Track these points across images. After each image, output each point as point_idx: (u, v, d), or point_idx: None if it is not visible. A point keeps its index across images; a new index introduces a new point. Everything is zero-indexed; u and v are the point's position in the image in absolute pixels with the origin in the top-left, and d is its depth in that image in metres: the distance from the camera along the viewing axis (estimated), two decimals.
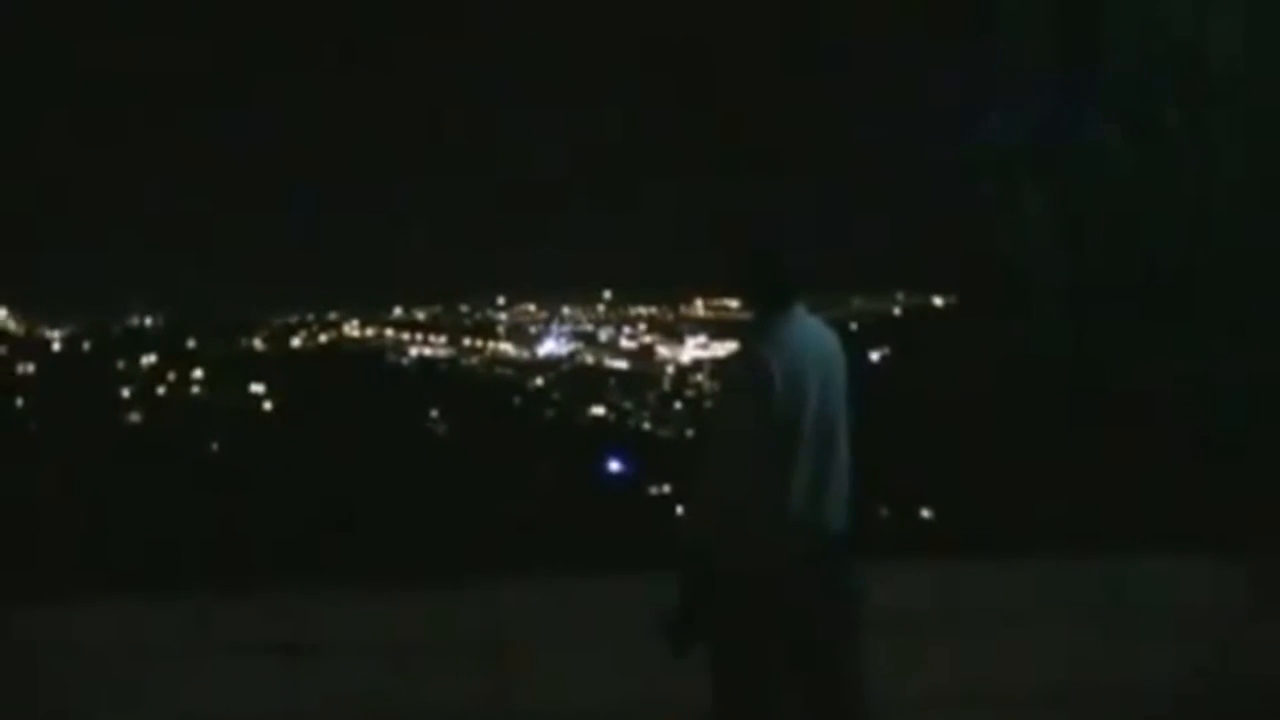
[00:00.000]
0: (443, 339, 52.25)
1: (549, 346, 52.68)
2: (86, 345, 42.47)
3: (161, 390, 40.30)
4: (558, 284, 54.74)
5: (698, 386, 46.32)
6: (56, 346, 42.15)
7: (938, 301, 30.83)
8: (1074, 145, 13.83)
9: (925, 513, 19.04)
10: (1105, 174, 13.26)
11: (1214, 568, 7.21)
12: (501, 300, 54.21)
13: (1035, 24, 14.24)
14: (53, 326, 43.28)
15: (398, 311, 52.57)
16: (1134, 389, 13.00)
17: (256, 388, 39.85)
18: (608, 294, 54.12)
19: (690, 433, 39.10)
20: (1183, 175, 13.09)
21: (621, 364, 51.81)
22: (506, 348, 52.67)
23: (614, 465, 34.28)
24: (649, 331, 53.27)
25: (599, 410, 46.21)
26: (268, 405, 39.25)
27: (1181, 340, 12.99)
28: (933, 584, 7.11)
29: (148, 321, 44.92)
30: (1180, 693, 6.63)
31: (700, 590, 4.54)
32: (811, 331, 4.65)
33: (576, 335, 53.51)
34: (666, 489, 29.54)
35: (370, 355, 47.76)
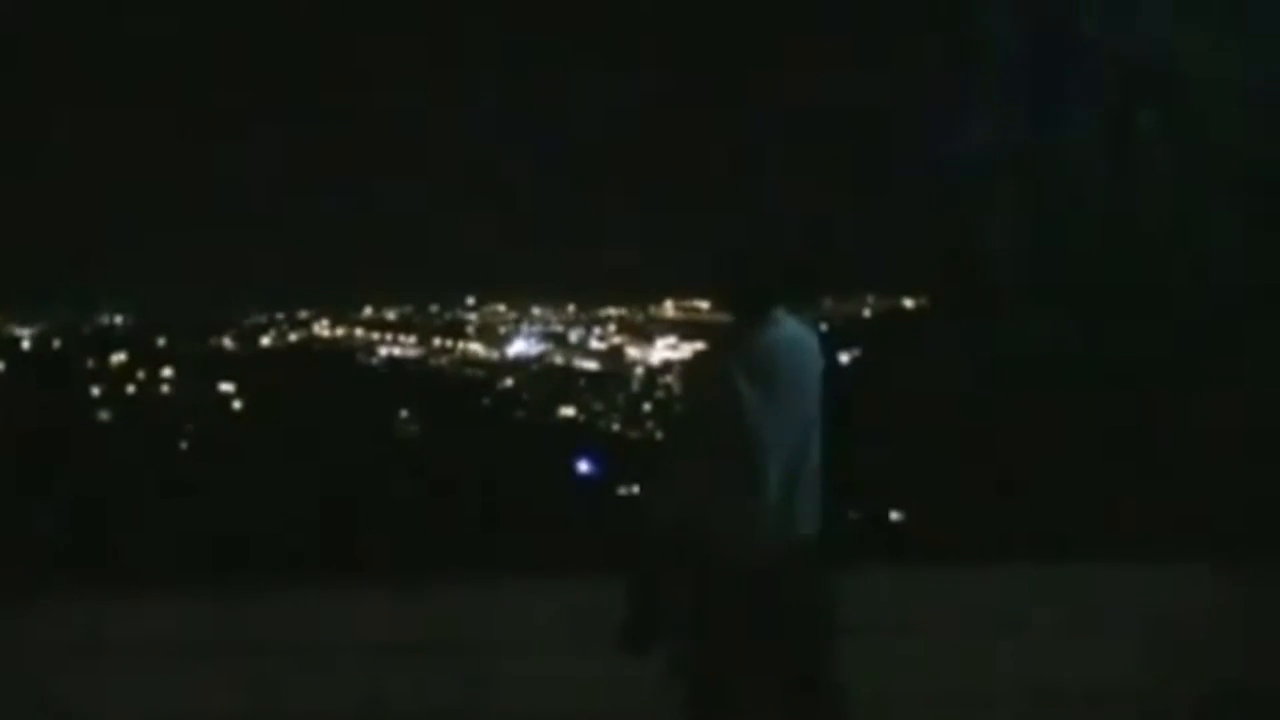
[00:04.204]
0: (412, 339, 52.08)
1: (519, 347, 52.54)
2: (56, 343, 42.22)
3: (131, 389, 40.11)
4: (527, 284, 54.55)
5: (667, 388, 46.27)
6: (26, 345, 41.88)
7: (908, 304, 30.84)
8: (1048, 145, 13.84)
9: (895, 515, 19.05)
10: (1078, 174, 13.29)
11: (1192, 572, 7.24)
12: (471, 300, 54.02)
13: (1011, 25, 14.26)
14: (22, 324, 42.97)
15: (368, 311, 52.35)
16: (1114, 388, 13.01)
17: (226, 386, 39.67)
18: (577, 295, 53.97)
19: (660, 434, 39.08)
20: (1157, 176, 13.12)
21: (591, 365, 51.72)
22: (476, 348, 52.52)
23: (584, 466, 34.26)
24: (619, 332, 53.17)
25: (569, 411, 46.15)
26: (236, 404, 39.08)
27: (1154, 339, 13.01)
28: (901, 587, 7.12)
29: (118, 320, 44.64)
30: (1157, 700, 6.64)
31: (657, 585, 4.53)
32: (787, 334, 4.63)
33: (546, 336, 53.38)
34: (636, 490, 29.49)
35: (340, 355, 47.57)
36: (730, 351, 4.60)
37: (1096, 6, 13.38)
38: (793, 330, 4.70)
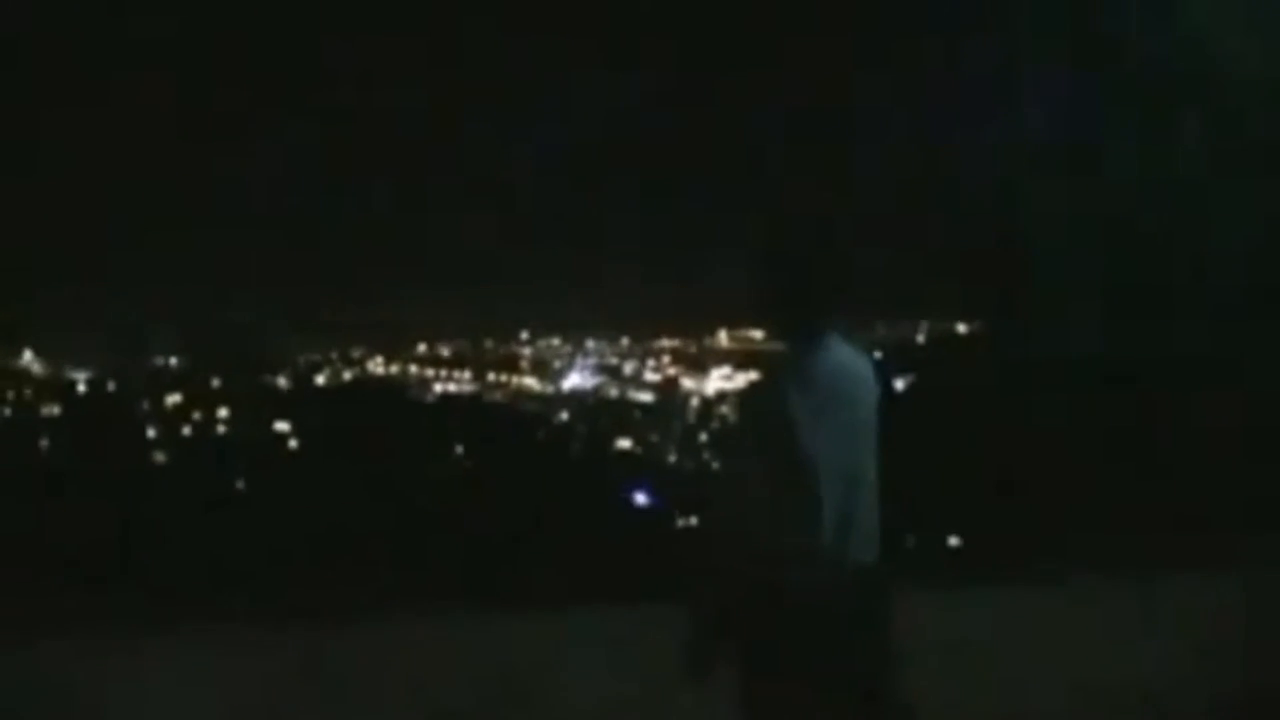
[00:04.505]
0: (467, 374, 52.30)
1: (573, 380, 52.72)
2: (111, 386, 42.56)
3: (187, 430, 40.37)
4: (582, 317, 54.74)
5: (722, 418, 46.29)
6: (81, 388, 42.23)
7: (961, 328, 30.78)
8: (1093, 145, 13.76)
9: (953, 541, 18.99)
10: (1119, 174, 13.20)
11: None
12: (525, 335, 54.25)
13: (1052, 23, 14.20)
14: (77, 368, 43.34)
15: (422, 348, 52.60)
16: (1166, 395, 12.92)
17: (281, 425, 39.87)
18: (631, 327, 54.13)
19: (716, 465, 39.07)
20: (1195, 174, 13.03)
21: (646, 397, 51.83)
22: (531, 382, 52.72)
23: (640, 498, 34.29)
24: (673, 364, 53.29)
25: (625, 443, 46.24)
26: (293, 443, 39.26)
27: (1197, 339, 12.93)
28: (966, 611, 7.09)
29: (172, 361, 44.98)
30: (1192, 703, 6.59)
31: (719, 608, 4.51)
32: (842, 361, 4.60)
33: (601, 368, 53.53)
34: (694, 521, 29.48)
35: (394, 391, 47.76)
36: (785, 378, 4.57)
37: (1136, 9, 13.37)
38: (846, 356, 4.66)
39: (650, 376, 53.14)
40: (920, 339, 38.80)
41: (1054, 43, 14.07)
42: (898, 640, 4.62)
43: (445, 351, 53.07)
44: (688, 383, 52.15)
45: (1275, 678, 6.63)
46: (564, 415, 49.00)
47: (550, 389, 52.13)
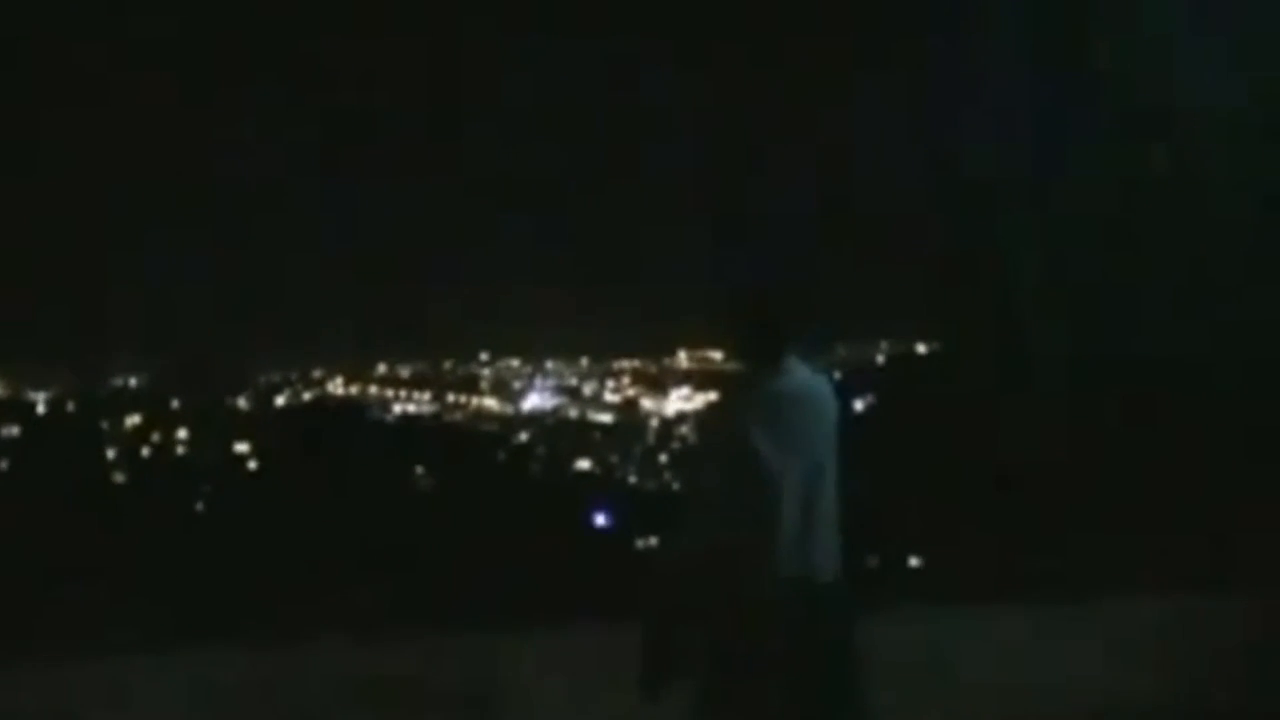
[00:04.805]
0: (426, 395, 52.17)
1: (533, 401, 52.62)
2: (71, 407, 42.32)
3: (146, 451, 40.20)
4: (539, 338, 54.64)
5: (682, 439, 46.29)
6: (41, 409, 41.97)
7: (921, 349, 30.91)
8: (1062, 181, 13.84)
9: (913, 561, 19.05)
10: (1093, 211, 13.27)
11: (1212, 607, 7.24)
12: (485, 355, 54.13)
13: (1023, 57, 14.27)
14: (36, 389, 43.06)
15: (381, 368, 52.44)
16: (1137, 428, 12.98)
17: (241, 446, 39.73)
18: (590, 347, 54.07)
19: (676, 485, 39.10)
20: (1170, 216, 13.10)
21: (606, 417, 51.78)
22: (490, 403, 52.61)
23: (600, 519, 34.29)
24: (633, 384, 53.24)
25: (585, 464, 46.22)
26: (252, 464, 39.13)
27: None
28: (926, 630, 7.12)
29: (132, 382, 44.73)
30: None
31: (673, 626, 4.54)
32: (800, 382, 4.65)
33: (560, 389, 53.45)
34: (654, 541, 29.50)
35: (354, 412, 47.63)
36: (743, 398, 4.63)
37: (1106, 47, 13.44)
38: (804, 377, 4.71)
39: (610, 397, 53.08)
40: (880, 359, 38.89)
41: (1026, 54, 14.18)
42: (858, 658, 4.66)
43: (405, 372, 52.92)
44: (647, 403, 52.11)
45: (1263, 704, 6.69)
46: (523, 436, 48.94)
47: (510, 410, 52.02)
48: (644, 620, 4.63)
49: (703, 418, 4.93)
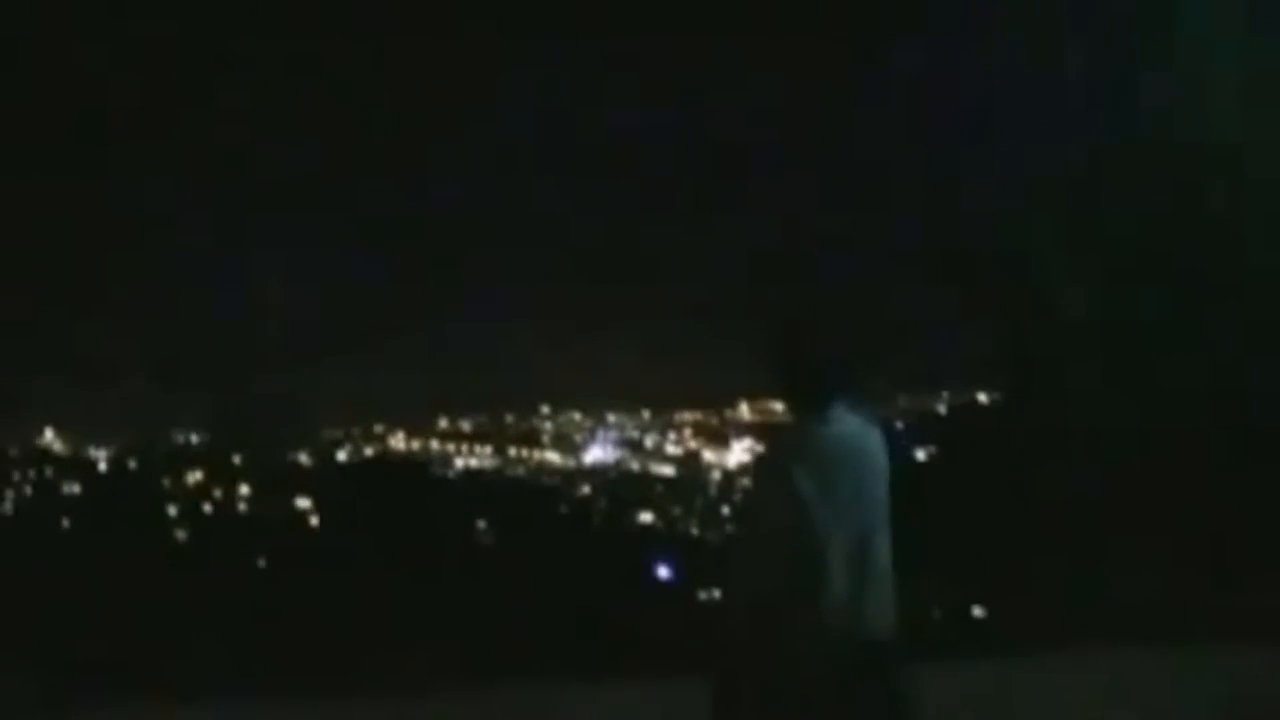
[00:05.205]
0: (488, 449, 52.29)
1: (595, 454, 52.67)
2: (132, 464, 42.55)
3: (208, 507, 40.37)
4: (601, 391, 54.73)
5: (745, 490, 46.19)
6: (103, 466, 42.22)
7: (982, 398, 30.71)
8: (1116, 218, 13.71)
9: (977, 611, 18.88)
10: (1150, 248, 13.15)
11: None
12: (546, 409, 54.25)
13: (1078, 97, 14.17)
14: (98, 446, 43.32)
15: (443, 423, 52.60)
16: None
17: (302, 502, 39.83)
18: (652, 400, 54.13)
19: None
20: (1225, 254, 12.99)
21: (668, 470, 51.77)
22: (552, 456, 52.69)
23: (663, 572, 34.24)
24: (694, 436, 53.24)
25: (647, 516, 46.18)
26: (313, 520, 39.22)
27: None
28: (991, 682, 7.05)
29: (193, 438, 44.96)
30: None
31: (735, 689, 4.48)
32: (850, 433, 4.58)
33: (622, 442, 53.48)
34: (717, 594, 29.40)
35: (416, 468, 47.72)
36: (789, 449, 4.57)
37: (1165, 86, 13.38)
38: (853, 427, 4.63)
39: (671, 450, 53.08)
40: (941, 409, 38.69)
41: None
42: (912, 714, 4.59)
43: (466, 426, 53.05)
44: (709, 455, 52.09)
45: None
46: (585, 489, 48.96)
47: (571, 463, 52.09)
48: (714, 680, 4.58)
49: (753, 469, 4.84)
